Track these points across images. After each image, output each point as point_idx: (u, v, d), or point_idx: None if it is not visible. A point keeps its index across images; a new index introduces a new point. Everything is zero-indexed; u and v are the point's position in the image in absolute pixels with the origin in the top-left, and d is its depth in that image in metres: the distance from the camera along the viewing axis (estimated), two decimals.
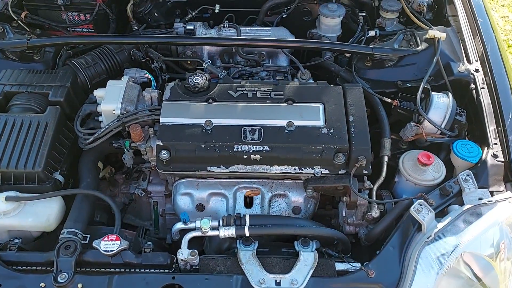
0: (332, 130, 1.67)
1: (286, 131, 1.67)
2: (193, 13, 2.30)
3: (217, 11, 2.32)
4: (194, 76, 1.80)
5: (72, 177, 1.79)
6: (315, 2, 2.25)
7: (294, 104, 1.74)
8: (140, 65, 2.09)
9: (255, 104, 1.74)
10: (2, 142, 1.66)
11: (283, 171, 1.67)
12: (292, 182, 1.76)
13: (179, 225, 1.62)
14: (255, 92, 1.78)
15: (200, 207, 1.77)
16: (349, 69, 1.99)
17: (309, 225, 1.60)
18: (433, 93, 1.81)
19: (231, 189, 1.77)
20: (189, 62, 2.07)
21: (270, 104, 1.74)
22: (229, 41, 1.95)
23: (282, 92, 1.77)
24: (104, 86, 1.88)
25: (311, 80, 2.00)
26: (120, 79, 1.86)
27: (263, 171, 1.67)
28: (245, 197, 1.77)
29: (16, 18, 2.17)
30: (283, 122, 1.69)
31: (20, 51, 1.98)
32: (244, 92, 1.78)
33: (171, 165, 1.68)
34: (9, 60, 2.02)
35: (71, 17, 2.26)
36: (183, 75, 2.08)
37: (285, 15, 2.29)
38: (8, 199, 1.55)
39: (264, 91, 1.78)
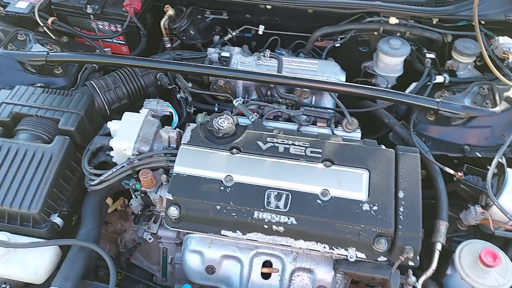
0: (375, 208, 1.36)
1: (319, 201, 1.39)
2: (234, 34, 2.04)
3: (261, 33, 2.05)
4: (220, 119, 1.55)
5: (76, 213, 1.60)
6: (376, 33, 1.91)
7: (333, 167, 1.45)
8: (165, 92, 1.86)
9: (286, 161, 1.47)
10: (1, 173, 1.49)
11: (310, 248, 1.39)
12: (320, 255, 1.48)
13: None
14: (288, 147, 1.50)
15: (210, 270, 1.53)
16: (406, 125, 1.66)
17: None
18: (509, 170, 1.45)
19: (248, 254, 1.51)
20: (214, 95, 1.82)
21: (303, 164, 1.46)
22: (266, 77, 1.66)
23: (321, 150, 1.48)
24: (125, 111, 1.68)
25: (359, 131, 1.69)
26: (140, 110, 1.65)
27: (285, 244, 1.40)
28: (263, 263, 1.51)
29: (42, 24, 2.00)
30: (317, 189, 1.41)
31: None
32: (275, 144, 1.51)
33: (181, 223, 1.45)
34: (28, 73, 1.85)
35: (101, 27, 2.07)
36: (213, 108, 1.84)
37: (338, 45, 1.97)
38: None
39: (299, 146, 1.50)
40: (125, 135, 1.55)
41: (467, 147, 1.59)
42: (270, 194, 1.41)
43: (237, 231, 1.42)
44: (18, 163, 1.51)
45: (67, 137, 1.59)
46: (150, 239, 1.70)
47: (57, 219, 1.49)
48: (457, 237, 1.50)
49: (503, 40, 1.78)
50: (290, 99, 1.74)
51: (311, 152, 1.49)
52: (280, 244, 1.41)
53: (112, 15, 2.01)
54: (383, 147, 1.52)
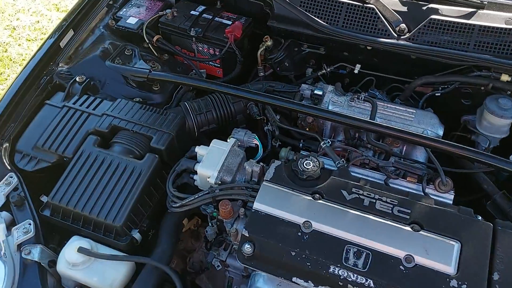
0: (464, 286, 1.24)
1: (402, 267, 1.30)
2: (328, 70, 2.01)
3: (356, 71, 1.99)
4: (305, 160, 1.52)
5: (154, 228, 1.66)
6: (483, 88, 1.78)
7: (421, 232, 1.35)
8: (252, 121, 1.88)
9: (371, 217, 1.39)
10: (94, 182, 1.59)
11: None
12: None
13: None
14: (374, 201, 1.42)
15: None
16: (508, 195, 1.51)
17: None
18: None
19: None
20: (299, 132, 1.79)
21: (389, 223, 1.38)
22: (357, 123, 1.60)
23: (410, 211, 1.39)
24: (212, 136, 1.71)
25: (452, 192, 1.57)
26: (228, 138, 1.67)
27: None
28: None
29: (147, 41, 2.12)
30: (401, 254, 1.32)
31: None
32: (361, 196, 1.44)
33: (253, 261, 1.43)
34: (129, 86, 1.96)
35: (200, 48, 2.14)
36: (298, 143, 1.82)
37: (439, 94, 1.86)
38: (79, 250, 1.46)
39: (386, 202, 1.42)
40: (211, 163, 1.57)
41: None
42: (350, 249, 1.34)
43: (309, 281, 1.37)
44: (110, 174, 1.60)
45: (156, 155, 1.65)
46: (218, 266, 1.71)
47: (136, 235, 1.55)
48: None
49: None
50: (381, 147, 1.67)
51: (399, 211, 1.40)
52: None
53: (213, 39, 2.07)
54: (480, 218, 1.39)
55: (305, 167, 1.51)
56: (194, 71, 2.13)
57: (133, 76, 1.90)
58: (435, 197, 1.54)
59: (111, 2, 2.26)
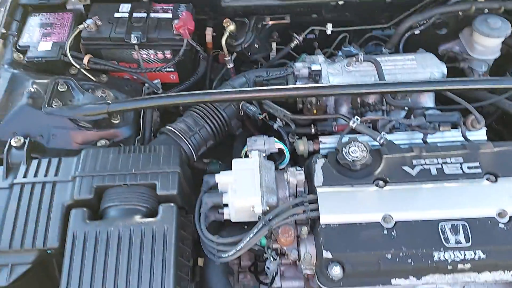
0: None
1: (501, 225, 1.21)
2: (301, 38, 1.78)
3: (329, 32, 1.80)
4: (350, 147, 1.32)
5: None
6: (460, 13, 1.72)
7: (499, 181, 1.27)
8: (247, 122, 1.60)
9: (446, 184, 1.27)
10: (111, 267, 1.20)
11: (496, 278, 1.22)
12: (491, 280, 1.31)
13: None
14: (441, 166, 1.30)
15: None
16: None
17: None
18: None
19: None
20: (320, 118, 1.57)
21: (466, 184, 1.27)
22: (375, 88, 1.43)
23: (478, 164, 1.29)
24: (212, 156, 1.42)
25: (484, 129, 1.51)
26: (248, 153, 1.38)
27: (468, 280, 1.22)
28: None
29: (76, 66, 1.66)
30: (492, 211, 1.22)
31: None
32: (425, 166, 1.30)
33: (343, 281, 1.22)
34: (83, 129, 1.52)
35: (145, 56, 1.75)
36: (309, 130, 1.60)
37: (418, 32, 1.76)
38: None
39: (453, 163, 1.30)
40: (247, 189, 1.28)
41: None
42: (444, 228, 1.21)
43: (410, 276, 1.22)
44: (127, 251, 1.23)
45: (171, 204, 1.31)
46: None
47: None
48: None
49: None
50: (404, 105, 1.53)
51: (469, 167, 1.29)
52: (461, 282, 1.23)
53: (161, 41, 1.68)
54: None
55: (353, 156, 1.31)
56: (146, 85, 1.74)
57: (89, 116, 1.47)
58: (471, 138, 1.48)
59: (3, 31, 1.71)
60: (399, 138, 1.50)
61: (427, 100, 1.66)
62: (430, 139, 1.49)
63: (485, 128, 1.51)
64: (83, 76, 1.69)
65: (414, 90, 1.45)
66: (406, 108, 1.56)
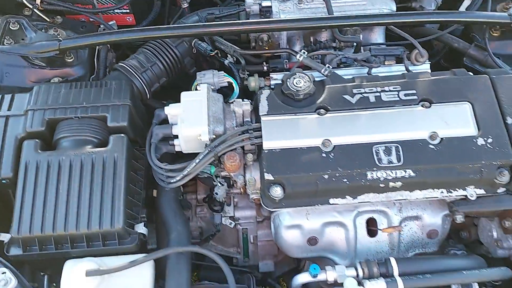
0: (490, 140, 1.28)
1: (431, 146, 1.29)
2: None
3: None
4: (294, 78, 1.37)
5: (151, 221, 1.42)
6: None
7: (433, 106, 1.34)
8: (202, 59, 1.63)
9: (382, 111, 1.34)
10: (63, 193, 1.26)
11: (427, 196, 1.31)
12: (425, 200, 1.40)
13: (305, 278, 1.29)
14: (379, 94, 1.36)
15: (313, 241, 1.42)
16: (480, 45, 1.56)
17: (477, 268, 1.27)
18: None
19: (350, 216, 1.41)
20: (269, 53, 1.61)
21: (401, 110, 1.34)
22: (323, 22, 1.47)
23: (414, 91, 1.36)
24: (165, 93, 1.46)
25: (428, 62, 1.57)
26: (189, 84, 1.43)
27: (401, 198, 1.31)
28: (367, 222, 1.43)
29: (30, 6, 1.65)
30: (424, 134, 1.30)
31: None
32: (364, 94, 1.36)
33: (285, 202, 1.31)
34: (37, 68, 1.55)
35: None
36: (261, 68, 1.64)
37: None
38: (89, 274, 1.18)
39: (390, 91, 1.37)
40: (194, 118, 1.33)
41: None
42: (378, 150, 1.29)
43: (347, 196, 1.30)
44: (78, 178, 1.28)
45: (122, 134, 1.36)
46: (231, 223, 1.56)
47: (142, 229, 1.31)
48: None
49: None
50: (353, 41, 1.57)
51: (405, 95, 1.36)
52: (394, 200, 1.32)
53: None
54: (471, 74, 1.42)
55: (297, 86, 1.36)
56: (102, 26, 1.75)
57: (40, 53, 1.49)
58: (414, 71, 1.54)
59: None
60: (347, 73, 1.55)
61: (377, 37, 1.70)
62: (376, 73, 1.55)
63: (429, 62, 1.57)
64: (37, 17, 1.69)
65: (358, 24, 1.49)
66: (355, 44, 1.60)
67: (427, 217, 1.41)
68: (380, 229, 1.38)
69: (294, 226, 1.41)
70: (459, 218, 1.35)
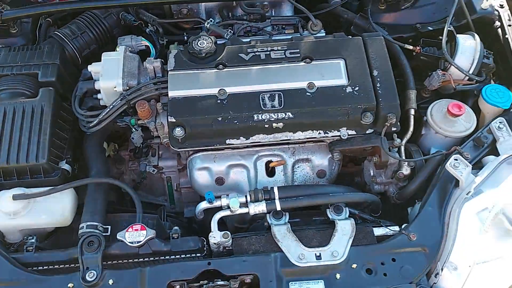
0: (357, 88, 1.54)
1: (308, 93, 1.54)
2: None
3: None
4: (199, 40, 1.62)
5: (77, 161, 1.65)
6: None
7: (313, 62, 1.59)
8: (131, 30, 1.88)
9: (270, 66, 1.59)
10: None
11: (307, 137, 1.56)
12: (314, 145, 1.66)
13: (204, 205, 1.53)
14: (269, 53, 1.62)
15: (220, 181, 1.67)
16: (364, 15, 1.82)
17: (342, 192, 1.52)
18: (458, 35, 1.68)
19: (251, 159, 1.66)
20: (182, 21, 1.86)
21: (286, 65, 1.59)
22: None
23: (298, 50, 1.62)
24: (95, 57, 1.69)
25: (323, 31, 1.83)
26: (115, 50, 1.67)
27: (286, 138, 1.56)
28: (266, 164, 1.67)
29: None
30: (304, 84, 1.55)
31: None
32: (257, 53, 1.62)
33: (187, 142, 1.55)
34: None
35: None
36: (182, 37, 1.89)
37: None
38: (15, 198, 1.41)
39: (278, 50, 1.62)
40: (111, 73, 1.58)
41: (418, 25, 1.80)
42: (264, 97, 1.54)
43: (241, 137, 1.55)
44: (10, 122, 1.52)
45: (50, 87, 1.59)
46: (153, 170, 1.79)
47: (65, 166, 1.54)
48: (423, 104, 1.73)
49: None
50: (256, 13, 1.83)
51: (290, 53, 1.62)
52: (280, 141, 1.57)
53: None
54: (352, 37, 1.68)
55: (200, 46, 1.61)
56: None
57: None
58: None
59: None
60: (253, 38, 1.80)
61: (286, 12, 1.97)
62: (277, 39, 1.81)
63: (323, 30, 1.83)
64: None
65: None
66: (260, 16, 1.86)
67: (316, 159, 1.66)
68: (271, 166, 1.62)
69: (204, 168, 1.65)
70: (336, 156, 1.60)
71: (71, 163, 1.57)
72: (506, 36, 1.68)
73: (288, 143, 1.63)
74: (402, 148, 1.58)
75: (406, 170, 1.57)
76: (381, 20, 1.85)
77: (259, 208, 1.46)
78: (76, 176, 1.59)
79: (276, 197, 1.48)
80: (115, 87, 1.56)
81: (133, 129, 1.62)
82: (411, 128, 1.60)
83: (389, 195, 1.66)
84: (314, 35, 1.75)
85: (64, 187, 1.47)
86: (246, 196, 1.50)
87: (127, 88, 1.58)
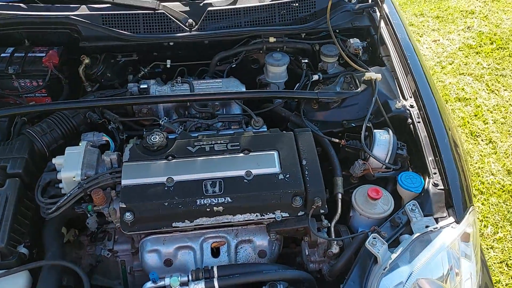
0: (288, 176, 1.77)
1: (245, 180, 1.76)
2: (145, 70, 2.39)
3: (168, 66, 2.41)
4: (152, 135, 1.87)
5: (36, 247, 1.78)
6: (261, 52, 2.39)
7: (251, 154, 1.84)
8: (97, 127, 2.13)
9: (214, 157, 1.83)
10: None
11: (246, 219, 1.75)
12: (255, 227, 1.84)
13: (149, 285, 1.65)
14: (213, 145, 1.87)
15: (168, 262, 1.81)
16: (298, 113, 2.13)
17: (275, 269, 1.67)
18: (375, 130, 1.97)
19: (198, 241, 1.82)
20: (141, 120, 2.14)
21: (227, 156, 1.83)
22: (183, 97, 2.04)
23: (238, 143, 1.87)
24: (62, 152, 1.91)
25: (265, 127, 2.12)
26: (78, 144, 1.90)
27: (226, 220, 1.74)
28: (211, 246, 1.83)
29: None
30: (242, 172, 1.78)
31: None
32: (202, 146, 1.87)
33: (136, 226, 1.72)
34: None
35: (23, 84, 2.28)
36: (141, 132, 2.15)
37: (234, 65, 2.41)
38: None
39: (221, 143, 1.87)
40: (71, 165, 1.79)
41: (345, 122, 2.10)
42: (207, 183, 1.75)
43: (186, 220, 1.73)
44: None
45: (17, 178, 1.78)
46: (108, 254, 1.92)
47: (23, 250, 1.67)
48: (351, 189, 1.96)
49: (353, 41, 2.36)
50: (206, 111, 2.13)
51: (231, 146, 1.87)
52: (222, 223, 1.75)
53: (32, 72, 2.23)
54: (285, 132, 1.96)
55: (153, 141, 1.86)
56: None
57: None
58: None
59: None
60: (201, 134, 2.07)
61: (234, 110, 2.27)
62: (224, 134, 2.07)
63: (265, 126, 2.11)
64: None
65: (207, 99, 2.06)
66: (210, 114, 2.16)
67: (257, 240, 1.84)
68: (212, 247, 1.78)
69: (153, 251, 1.80)
70: (273, 236, 1.78)
71: (29, 247, 1.71)
72: (417, 131, 1.98)
73: (231, 226, 1.82)
74: (332, 229, 1.77)
75: (335, 249, 1.75)
76: (314, 117, 2.15)
77: (198, 286, 1.60)
78: (35, 260, 1.72)
79: (215, 275, 1.62)
80: (74, 177, 1.76)
81: (88, 215, 1.79)
82: (339, 211, 1.81)
83: (323, 273, 1.81)
84: (255, 131, 2.02)
85: (19, 269, 1.59)
86: (188, 276, 1.64)
87: (85, 177, 1.78)
